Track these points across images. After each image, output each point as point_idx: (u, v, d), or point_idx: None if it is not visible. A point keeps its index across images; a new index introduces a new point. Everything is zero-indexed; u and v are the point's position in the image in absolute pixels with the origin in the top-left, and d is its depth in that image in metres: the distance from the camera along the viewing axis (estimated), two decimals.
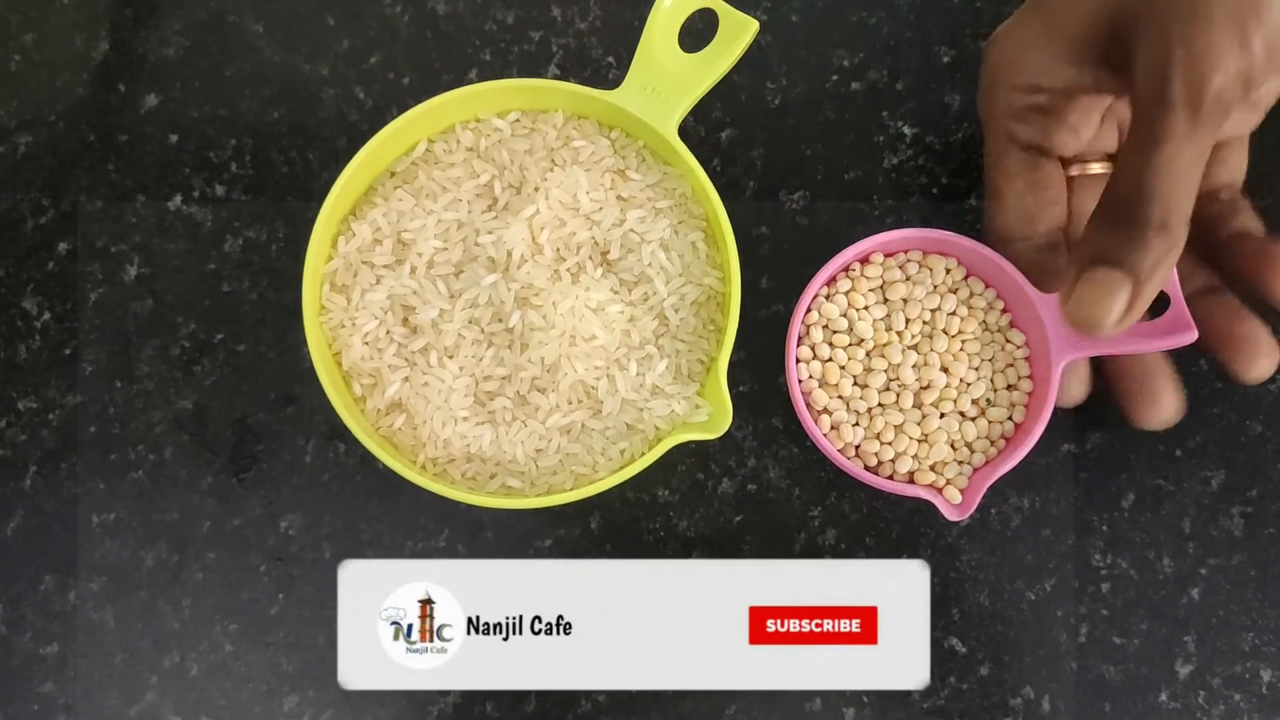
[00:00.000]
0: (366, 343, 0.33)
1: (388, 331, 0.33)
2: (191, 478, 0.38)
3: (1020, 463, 0.33)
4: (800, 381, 0.34)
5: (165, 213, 0.39)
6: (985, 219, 0.35)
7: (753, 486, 0.37)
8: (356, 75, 0.39)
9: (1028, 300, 0.33)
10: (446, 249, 0.33)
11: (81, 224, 0.39)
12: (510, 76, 0.39)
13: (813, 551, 0.37)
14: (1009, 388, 0.35)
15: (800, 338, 0.34)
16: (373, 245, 0.33)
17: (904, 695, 0.37)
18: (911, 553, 0.37)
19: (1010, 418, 0.34)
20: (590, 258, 0.33)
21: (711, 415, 0.32)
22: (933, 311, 0.34)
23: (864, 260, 0.35)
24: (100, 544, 0.37)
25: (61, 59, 0.40)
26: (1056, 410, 0.34)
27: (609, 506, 0.37)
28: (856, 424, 0.34)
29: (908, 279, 0.35)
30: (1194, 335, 0.32)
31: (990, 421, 0.34)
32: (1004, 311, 0.35)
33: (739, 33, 0.32)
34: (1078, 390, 0.35)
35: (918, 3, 0.39)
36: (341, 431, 0.38)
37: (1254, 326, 0.32)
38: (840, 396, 0.34)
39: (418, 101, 0.33)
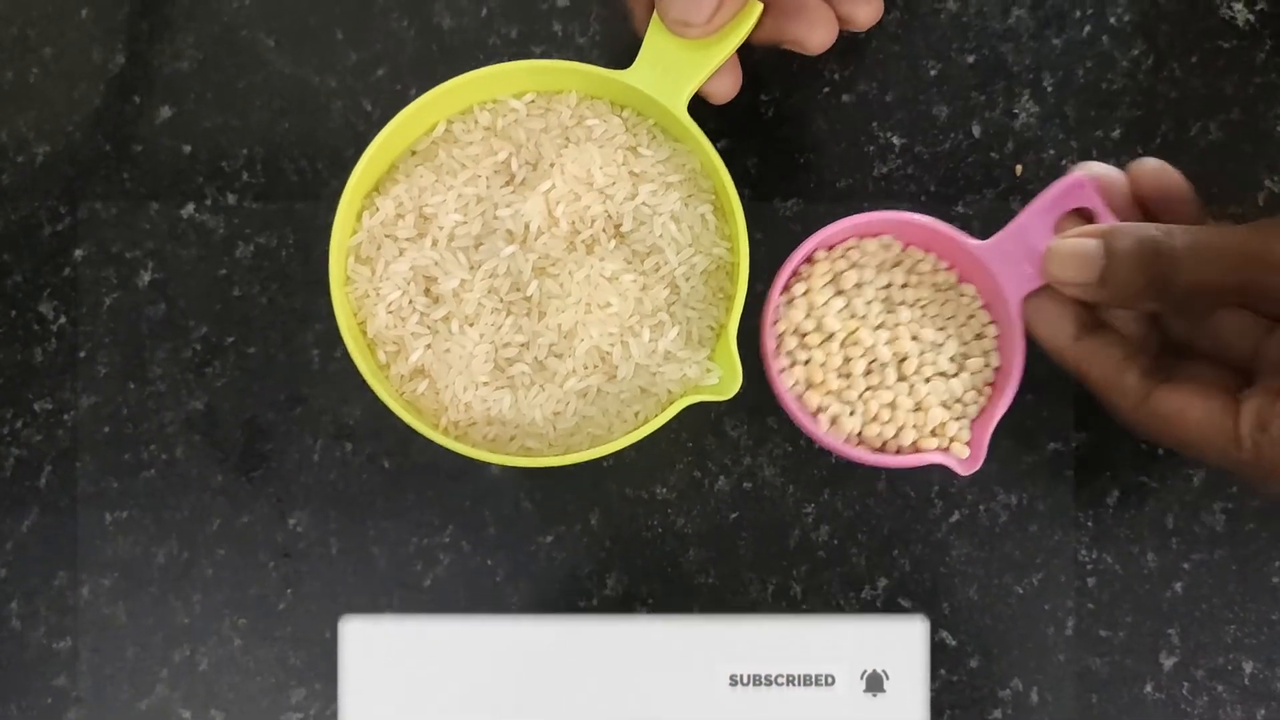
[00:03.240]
0: (390, 311, 0.34)
1: (410, 301, 0.34)
2: (202, 476, 0.39)
3: (1012, 405, 0.35)
4: (788, 390, 0.35)
5: (178, 220, 0.40)
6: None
7: (748, 484, 0.39)
8: (364, 87, 0.41)
9: (967, 252, 0.35)
10: (466, 222, 0.34)
11: (97, 230, 0.40)
12: None
13: (806, 547, 0.38)
14: (978, 337, 0.36)
15: (775, 351, 0.36)
16: (395, 219, 0.34)
17: None
18: (903, 548, 0.38)
19: (988, 364, 0.36)
20: (604, 230, 0.34)
21: (722, 378, 0.33)
22: (885, 288, 0.36)
23: (810, 261, 0.37)
24: (112, 541, 0.38)
25: (79, 71, 0.41)
26: (1051, 399, 0.36)
27: (609, 504, 0.39)
28: (852, 413, 0.35)
29: (853, 265, 0.36)
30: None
31: (971, 373, 0.36)
32: (949, 269, 0.37)
33: (745, 14, 0.33)
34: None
35: (905, 19, 0.41)
36: (349, 431, 0.39)
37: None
38: (830, 392, 0.35)
39: None
